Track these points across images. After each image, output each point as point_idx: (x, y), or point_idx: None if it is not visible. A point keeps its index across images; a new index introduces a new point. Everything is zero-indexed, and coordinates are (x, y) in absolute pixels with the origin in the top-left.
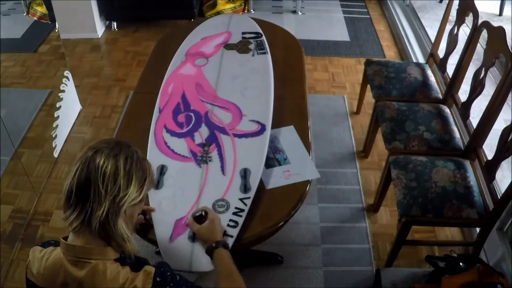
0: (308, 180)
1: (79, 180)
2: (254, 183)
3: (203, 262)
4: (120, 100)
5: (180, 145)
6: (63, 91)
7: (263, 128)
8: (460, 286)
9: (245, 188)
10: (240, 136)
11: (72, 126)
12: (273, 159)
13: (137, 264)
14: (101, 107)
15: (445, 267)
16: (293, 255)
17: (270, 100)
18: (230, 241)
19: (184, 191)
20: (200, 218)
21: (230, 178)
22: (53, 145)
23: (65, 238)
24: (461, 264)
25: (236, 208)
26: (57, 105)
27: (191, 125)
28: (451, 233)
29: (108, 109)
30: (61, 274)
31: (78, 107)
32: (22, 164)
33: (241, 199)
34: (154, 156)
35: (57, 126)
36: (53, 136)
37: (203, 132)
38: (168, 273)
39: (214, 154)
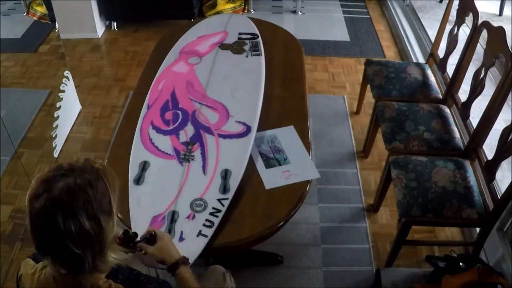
0: (308, 180)
1: (49, 242)
2: (234, 185)
3: None
4: (120, 100)
5: (164, 142)
6: (63, 91)
7: (248, 130)
8: (460, 286)
9: (224, 189)
10: (224, 136)
11: (72, 126)
12: (273, 159)
13: (130, 280)
14: (101, 107)
15: (445, 267)
16: (293, 255)
17: (258, 102)
18: (205, 241)
19: (164, 189)
20: (150, 240)
21: (210, 178)
22: (53, 145)
23: None
24: (461, 264)
25: (213, 208)
26: (57, 105)
27: (177, 123)
28: (451, 233)
29: (108, 109)
30: None
31: (78, 107)
32: (22, 164)
33: (219, 200)
34: (138, 152)
35: (57, 126)
36: (53, 136)
37: (189, 131)
38: None
39: (197, 153)
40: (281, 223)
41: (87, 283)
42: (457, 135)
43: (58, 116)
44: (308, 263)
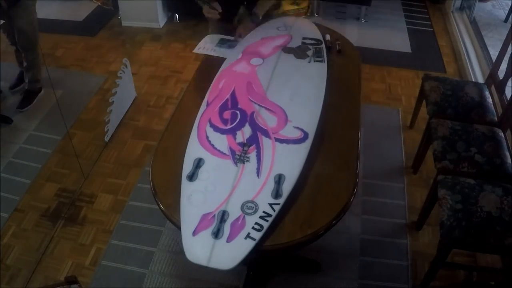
0: (353, 192)
1: None
2: (286, 190)
3: (221, 260)
4: (176, 91)
5: (221, 141)
6: (120, 77)
7: (305, 137)
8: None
9: (277, 194)
10: (281, 141)
11: (126, 113)
12: None
13: None
14: (156, 97)
15: None
16: (331, 263)
17: (318, 109)
18: (252, 244)
19: (216, 187)
20: None
21: (264, 182)
22: (105, 130)
23: None
24: None
25: (264, 212)
26: (113, 91)
27: (235, 123)
28: (492, 259)
29: (163, 99)
30: None
31: (133, 94)
32: (73, 145)
33: (270, 204)
34: (193, 149)
35: (111, 111)
36: (106, 120)
37: (246, 132)
38: None
39: (252, 155)
40: (321, 232)
41: None
42: (509, 160)
43: (112, 102)
44: (344, 273)
